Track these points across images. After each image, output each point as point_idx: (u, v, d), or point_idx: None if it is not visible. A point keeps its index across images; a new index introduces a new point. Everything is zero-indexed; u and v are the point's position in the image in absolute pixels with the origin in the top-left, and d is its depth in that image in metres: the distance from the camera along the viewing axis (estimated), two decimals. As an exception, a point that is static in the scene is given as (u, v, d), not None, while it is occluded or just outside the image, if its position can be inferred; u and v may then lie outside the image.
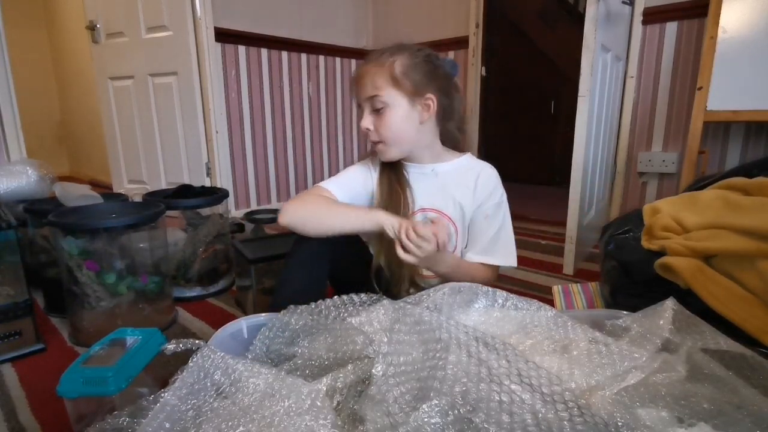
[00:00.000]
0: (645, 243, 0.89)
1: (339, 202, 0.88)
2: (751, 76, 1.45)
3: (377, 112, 0.85)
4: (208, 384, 0.54)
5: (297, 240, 0.88)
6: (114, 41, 2.33)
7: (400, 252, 0.77)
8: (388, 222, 0.80)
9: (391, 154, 0.89)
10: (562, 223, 1.57)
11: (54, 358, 1.05)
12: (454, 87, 0.92)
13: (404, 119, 0.86)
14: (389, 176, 0.92)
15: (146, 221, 1.15)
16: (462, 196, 0.91)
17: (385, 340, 0.59)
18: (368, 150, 0.96)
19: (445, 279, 0.88)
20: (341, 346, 0.62)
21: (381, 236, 0.86)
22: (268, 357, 0.68)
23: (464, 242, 0.94)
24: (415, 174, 0.93)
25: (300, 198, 0.88)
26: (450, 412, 0.45)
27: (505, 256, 0.91)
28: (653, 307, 0.65)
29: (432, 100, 0.86)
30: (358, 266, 0.94)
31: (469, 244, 0.93)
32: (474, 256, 0.90)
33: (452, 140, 0.96)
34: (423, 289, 0.90)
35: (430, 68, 0.87)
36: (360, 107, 0.89)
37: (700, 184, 1.01)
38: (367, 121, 0.86)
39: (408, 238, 0.76)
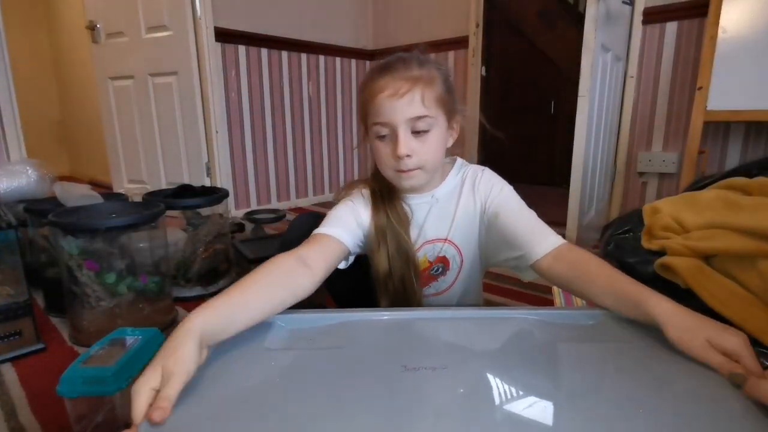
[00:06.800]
0: (645, 243, 0.89)
1: None
2: (751, 76, 1.45)
3: (418, 134, 0.70)
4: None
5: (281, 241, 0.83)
6: (114, 41, 2.34)
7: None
8: None
9: (421, 182, 0.75)
10: (562, 223, 1.57)
11: (54, 358, 1.05)
12: None
13: (442, 143, 0.74)
14: (386, 215, 0.78)
15: (146, 221, 1.14)
16: (466, 213, 0.81)
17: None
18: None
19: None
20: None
21: (379, 245, 0.77)
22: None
23: (472, 264, 0.84)
24: (415, 205, 0.82)
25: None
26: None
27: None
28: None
29: (458, 123, 0.77)
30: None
31: (529, 243, 0.72)
32: (551, 244, 0.70)
33: None
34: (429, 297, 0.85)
35: (452, 85, 0.75)
36: (383, 127, 0.70)
37: (700, 184, 1.01)
38: (410, 146, 0.69)
39: None
